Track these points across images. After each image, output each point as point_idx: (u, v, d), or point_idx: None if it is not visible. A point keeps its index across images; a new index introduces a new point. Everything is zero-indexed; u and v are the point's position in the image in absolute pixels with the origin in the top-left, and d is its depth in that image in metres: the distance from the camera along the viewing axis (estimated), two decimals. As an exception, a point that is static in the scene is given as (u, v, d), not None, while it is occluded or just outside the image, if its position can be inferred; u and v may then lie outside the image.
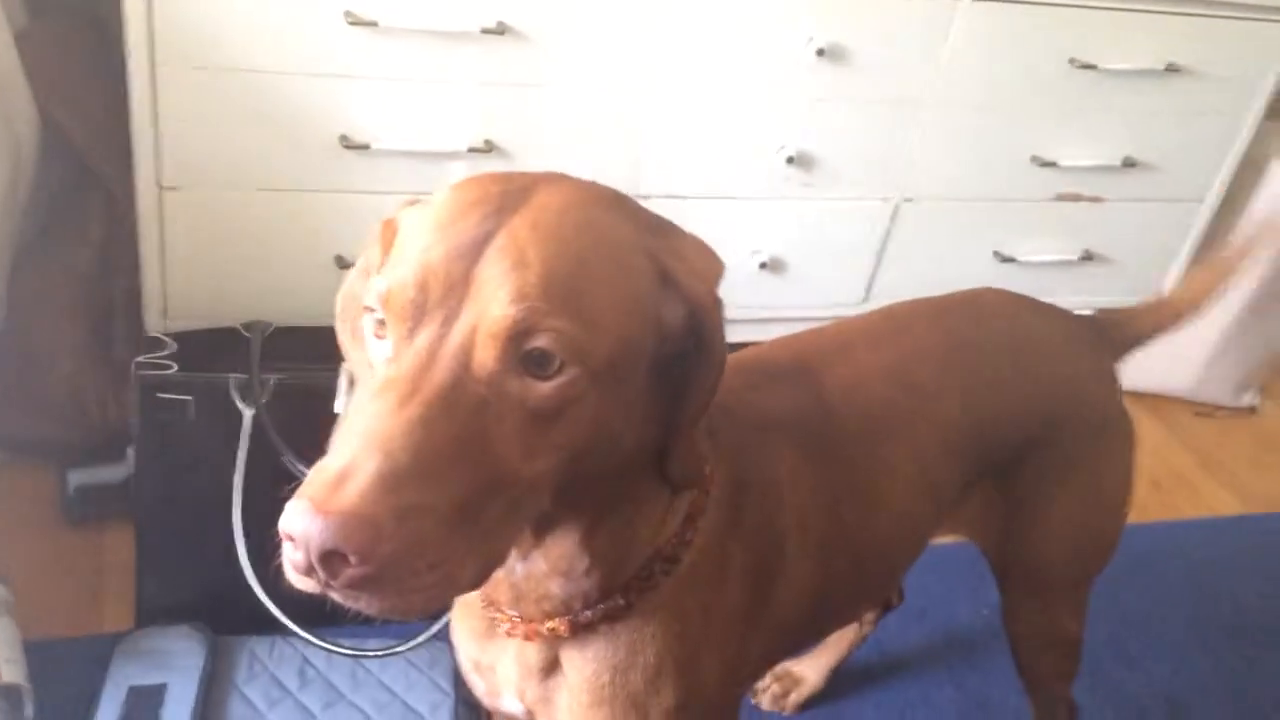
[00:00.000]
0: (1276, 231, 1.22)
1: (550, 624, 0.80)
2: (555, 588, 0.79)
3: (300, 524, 0.57)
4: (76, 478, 1.59)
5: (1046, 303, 1.18)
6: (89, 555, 1.57)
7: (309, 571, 0.58)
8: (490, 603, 0.83)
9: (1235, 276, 1.22)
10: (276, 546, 0.60)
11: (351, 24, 1.44)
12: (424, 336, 0.63)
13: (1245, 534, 2.05)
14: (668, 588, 0.82)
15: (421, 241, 0.65)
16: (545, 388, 0.63)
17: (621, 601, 0.80)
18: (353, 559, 0.57)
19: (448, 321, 0.63)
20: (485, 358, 0.62)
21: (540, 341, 0.62)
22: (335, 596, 0.60)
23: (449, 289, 0.63)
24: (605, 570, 0.78)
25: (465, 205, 0.66)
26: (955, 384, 1.05)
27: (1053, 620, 1.23)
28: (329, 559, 0.57)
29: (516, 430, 0.63)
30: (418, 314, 0.63)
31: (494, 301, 0.62)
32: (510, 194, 0.67)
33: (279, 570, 0.61)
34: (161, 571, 1.47)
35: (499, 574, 0.77)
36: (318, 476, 0.58)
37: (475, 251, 0.64)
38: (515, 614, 0.82)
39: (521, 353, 0.63)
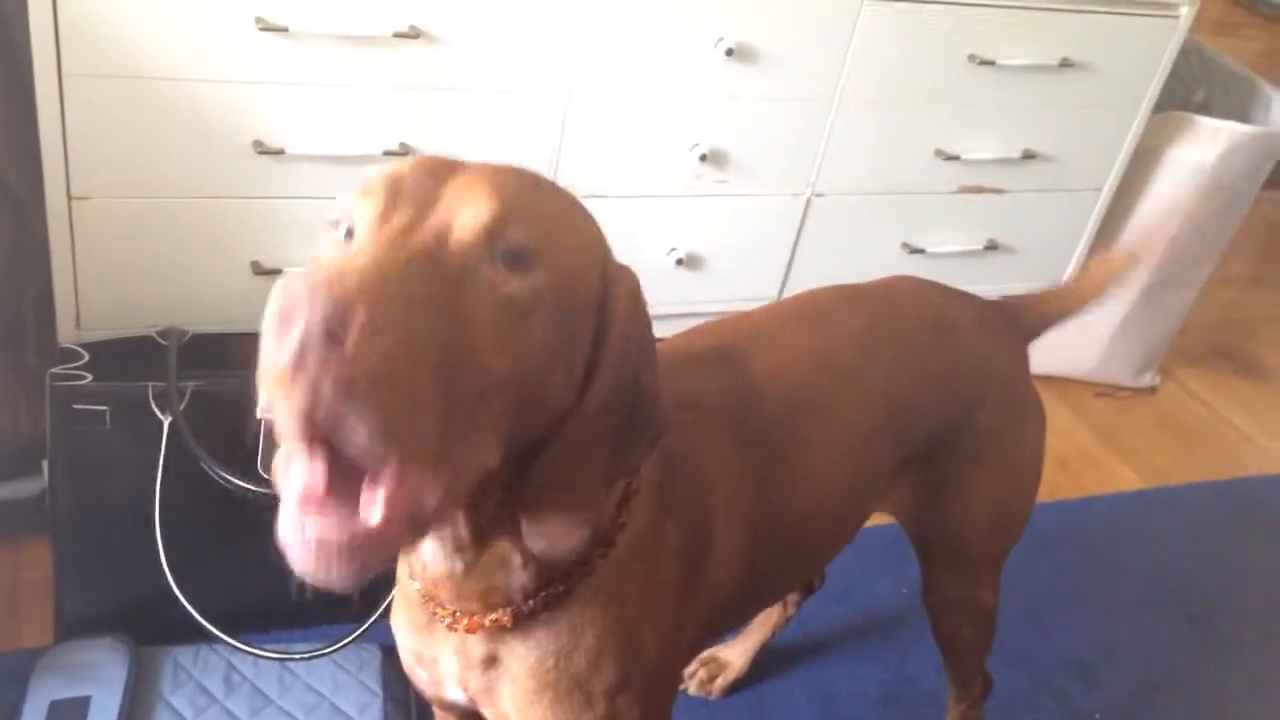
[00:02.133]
0: (1173, 226, 1.29)
1: (493, 616, 0.82)
2: (497, 581, 0.80)
3: (303, 289, 0.54)
4: (-10, 493, 1.56)
5: (958, 289, 1.23)
6: (5, 571, 1.54)
7: (297, 365, 0.54)
8: (430, 598, 0.84)
9: (1135, 267, 1.30)
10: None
11: (262, 29, 1.44)
12: (401, 216, 0.65)
13: (1145, 507, 2.14)
14: (605, 570, 0.84)
15: (391, 168, 0.69)
16: (517, 282, 0.65)
17: (562, 588, 0.82)
18: (353, 330, 0.55)
19: (423, 210, 0.66)
20: (464, 237, 0.65)
21: (520, 233, 0.66)
22: (301, 428, 0.56)
23: (423, 192, 0.67)
24: (538, 560, 0.79)
25: (430, 161, 0.71)
26: (872, 364, 1.09)
27: (971, 594, 1.29)
28: (330, 337, 0.54)
29: (488, 316, 0.64)
30: (392, 200, 0.66)
31: (470, 201, 0.66)
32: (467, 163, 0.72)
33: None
34: (80, 584, 1.45)
35: (440, 569, 0.79)
36: (312, 268, 0.57)
37: (442, 181, 0.68)
38: (456, 609, 0.83)
39: (499, 243, 0.65)
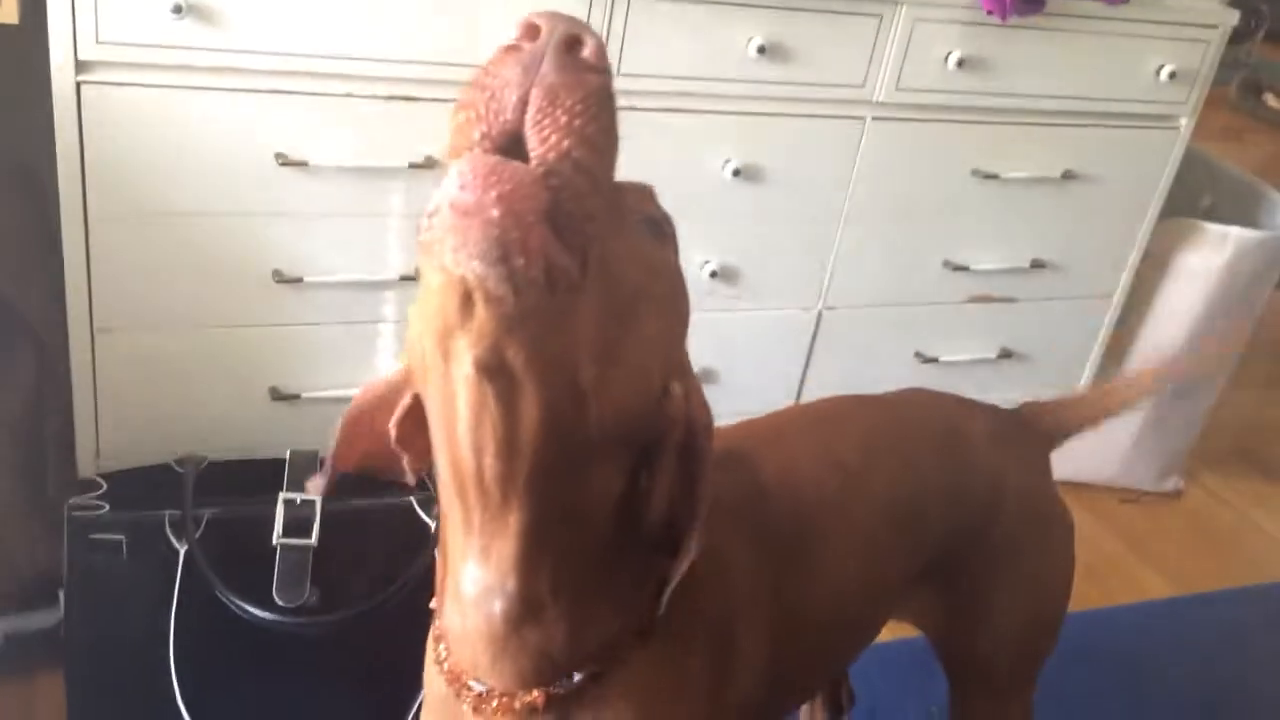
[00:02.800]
0: (1207, 354, 1.30)
1: (527, 697, 0.78)
2: (532, 643, 0.76)
3: (548, 14, 0.59)
4: (6, 625, 1.56)
5: (969, 399, 1.23)
6: (19, 706, 1.52)
7: (535, 59, 0.58)
8: (457, 677, 0.81)
9: (1161, 388, 1.31)
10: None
11: (282, 165, 1.49)
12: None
13: (1178, 616, 2.09)
14: (639, 665, 0.81)
15: None
16: (653, 240, 0.69)
17: (596, 669, 0.79)
18: (589, 44, 0.59)
19: None
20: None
21: (661, 212, 0.71)
22: (507, 114, 0.58)
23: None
24: (572, 624, 0.76)
25: None
26: (878, 466, 1.09)
27: (1002, 710, 1.25)
28: (570, 42, 0.59)
29: (634, 227, 0.68)
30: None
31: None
32: None
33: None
34: (93, 718, 1.43)
35: (479, 620, 0.75)
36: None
37: None
38: (486, 687, 0.79)
39: (646, 205, 0.70)
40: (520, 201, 0.55)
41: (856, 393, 1.20)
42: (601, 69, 0.59)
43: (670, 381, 0.73)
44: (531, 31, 0.59)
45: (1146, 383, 1.29)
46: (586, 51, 0.59)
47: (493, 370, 0.61)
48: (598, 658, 0.79)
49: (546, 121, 0.57)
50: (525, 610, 0.75)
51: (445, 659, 0.82)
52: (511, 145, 0.58)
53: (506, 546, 0.71)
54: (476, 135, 0.58)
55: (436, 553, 0.80)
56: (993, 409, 1.23)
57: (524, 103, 0.58)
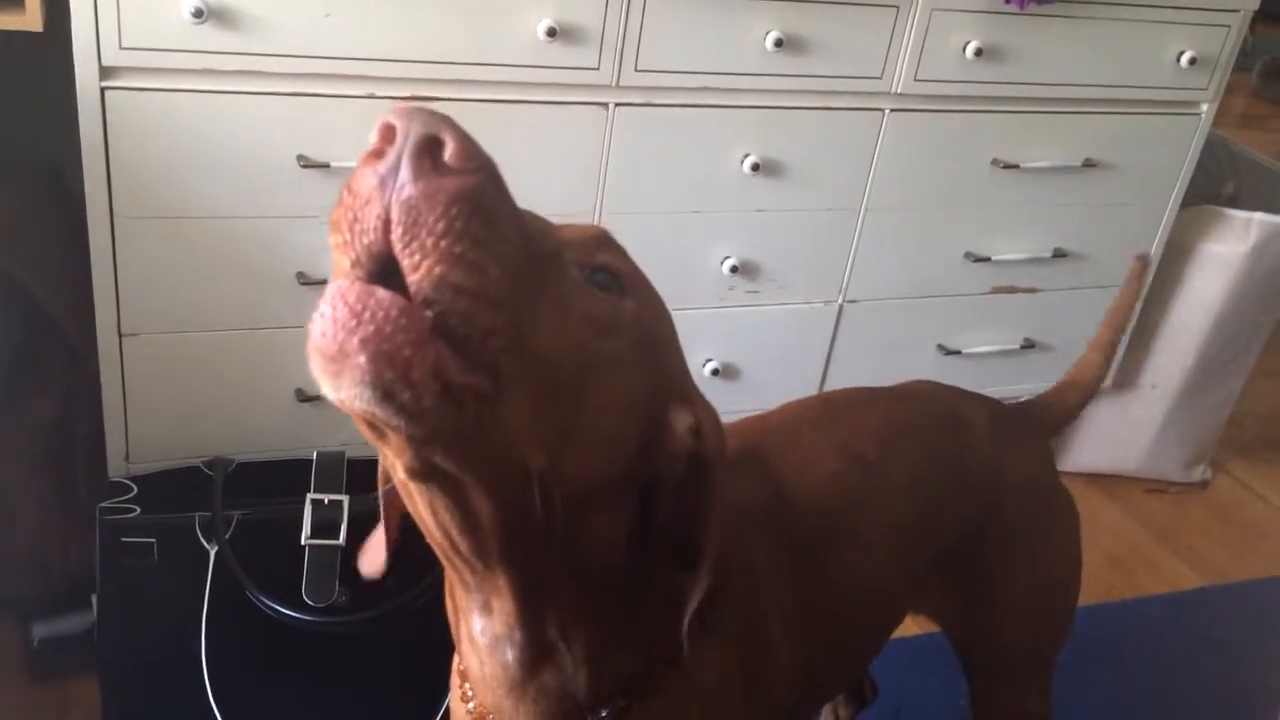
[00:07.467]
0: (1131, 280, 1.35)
1: None
2: (552, 684, 0.76)
3: (404, 113, 0.53)
4: (41, 630, 1.57)
5: (974, 391, 1.25)
6: (55, 708, 1.54)
7: (391, 169, 0.53)
8: (482, 718, 0.80)
9: (1120, 329, 1.40)
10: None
11: (304, 166, 1.50)
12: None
13: (1207, 606, 2.08)
14: (670, 691, 0.80)
15: None
16: (604, 297, 0.64)
17: (624, 703, 0.78)
18: (450, 145, 0.53)
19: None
20: (569, 236, 0.66)
21: (615, 259, 0.66)
22: (370, 236, 0.53)
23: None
24: (592, 663, 0.76)
25: None
26: (894, 457, 1.10)
27: (1019, 704, 1.26)
28: (427, 145, 0.53)
29: (568, 294, 0.62)
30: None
31: (581, 228, 0.68)
32: None
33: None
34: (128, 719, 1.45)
35: (496, 667, 0.75)
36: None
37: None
38: None
39: (595, 256, 0.65)
40: (389, 340, 0.51)
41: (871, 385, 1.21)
42: (467, 169, 0.54)
43: (669, 412, 0.71)
44: (389, 134, 0.53)
45: (1103, 335, 1.37)
46: (447, 154, 0.53)
47: (426, 475, 0.59)
48: (626, 691, 0.78)
49: (413, 245, 0.52)
50: (538, 656, 0.75)
51: (471, 698, 0.81)
52: (387, 264, 0.53)
53: (504, 604, 0.71)
54: (347, 263, 0.54)
55: (447, 598, 0.80)
56: (993, 401, 1.25)
57: (386, 221, 0.52)
